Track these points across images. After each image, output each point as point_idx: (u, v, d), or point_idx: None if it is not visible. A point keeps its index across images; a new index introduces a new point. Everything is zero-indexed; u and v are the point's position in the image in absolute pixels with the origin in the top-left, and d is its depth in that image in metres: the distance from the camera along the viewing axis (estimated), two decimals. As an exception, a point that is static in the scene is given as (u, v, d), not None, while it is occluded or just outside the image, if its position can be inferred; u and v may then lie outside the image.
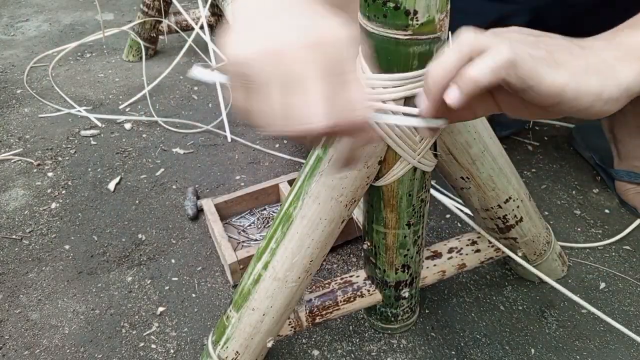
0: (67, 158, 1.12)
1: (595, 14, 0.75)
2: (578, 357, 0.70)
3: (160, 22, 1.44)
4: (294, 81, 0.33)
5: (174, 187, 1.03)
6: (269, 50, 0.33)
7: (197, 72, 0.39)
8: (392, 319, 0.72)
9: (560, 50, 0.40)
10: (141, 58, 1.45)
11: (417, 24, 0.43)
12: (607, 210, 0.93)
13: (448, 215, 0.94)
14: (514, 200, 0.64)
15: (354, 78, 0.35)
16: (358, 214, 0.82)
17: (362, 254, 0.81)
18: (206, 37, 1.24)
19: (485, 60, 0.38)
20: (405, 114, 0.46)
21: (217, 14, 1.48)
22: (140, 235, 0.92)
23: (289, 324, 0.66)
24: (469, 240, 0.74)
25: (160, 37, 1.50)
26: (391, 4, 0.42)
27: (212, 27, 1.51)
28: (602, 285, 0.80)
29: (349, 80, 0.35)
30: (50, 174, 1.07)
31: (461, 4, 0.70)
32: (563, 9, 0.77)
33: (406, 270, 0.65)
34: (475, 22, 0.80)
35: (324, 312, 0.67)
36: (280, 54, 0.33)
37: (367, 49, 0.47)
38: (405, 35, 0.43)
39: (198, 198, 0.98)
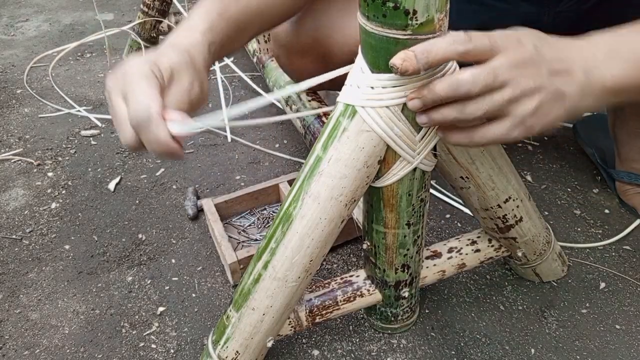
0: (67, 158, 1.12)
1: (587, 20, 0.75)
2: (578, 357, 0.70)
3: (161, 22, 1.44)
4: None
5: (174, 187, 1.03)
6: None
7: (174, 126, 0.43)
8: (392, 318, 0.72)
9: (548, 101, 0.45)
10: (141, 58, 1.45)
11: (416, 24, 0.43)
12: (607, 210, 0.93)
13: (448, 215, 0.94)
14: (513, 200, 0.64)
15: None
16: (358, 214, 0.82)
17: (362, 254, 0.82)
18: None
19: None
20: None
21: (217, 14, 1.47)
22: (140, 235, 0.92)
23: (289, 324, 0.66)
24: (468, 240, 0.74)
25: (161, 37, 1.50)
26: (390, 4, 0.42)
27: (212, 27, 1.51)
28: (602, 285, 0.80)
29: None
30: (50, 174, 1.07)
31: (452, 4, 0.70)
32: (555, 15, 0.77)
33: (406, 270, 0.65)
34: (465, 23, 0.80)
35: (324, 312, 0.67)
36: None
37: (367, 49, 0.47)
38: (405, 34, 0.43)
39: (198, 198, 0.98)
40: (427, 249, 0.73)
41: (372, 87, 0.48)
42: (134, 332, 0.76)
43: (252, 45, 1.08)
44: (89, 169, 1.08)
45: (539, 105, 0.44)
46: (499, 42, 0.43)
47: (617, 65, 0.47)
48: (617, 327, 0.74)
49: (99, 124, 1.22)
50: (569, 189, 0.98)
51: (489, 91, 0.43)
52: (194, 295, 0.81)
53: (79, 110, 1.26)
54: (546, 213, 0.93)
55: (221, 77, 1.35)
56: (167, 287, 0.83)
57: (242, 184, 1.03)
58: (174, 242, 0.91)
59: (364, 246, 0.65)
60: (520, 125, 0.44)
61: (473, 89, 0.43)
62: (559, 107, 0.46)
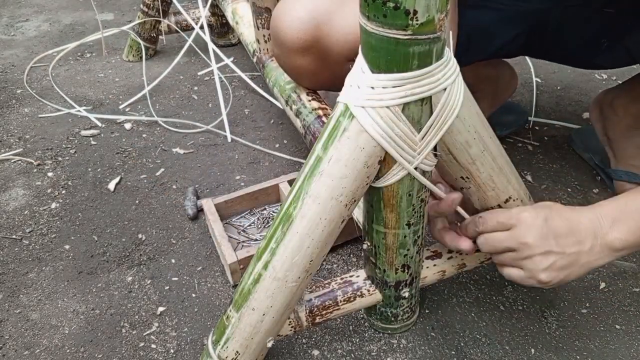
0: (67, 158, 1.12)
1: (596, 18, 0.75)
2: (578, 357, 0.71)
3: (160, 22, 1.44)
4: None
5: (174, 187, 1.03)
6: None
7: None
8: (392, 318, 0.72)
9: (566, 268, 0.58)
10: (141, 58, 1.45)
11: (416, 24, 0.43)
12: (607, 210, 0.93)
13: (448, 215, 0.94)
14: (513, 200, 0.64)
15: None
16: (358, 214, 0.82)
17: (362, 254, 0.82)
18: (206, 37, 1.24)
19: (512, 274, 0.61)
20: None
21: (217, 14, 1.48)
22: (140, 235, 0.92)
23: (289, 324, 0.66)
24: (469, 240, 0.74)
25: (160, 37, 1.50)
26: (391, 4, 0.42)
27: (212, 27, 1.51)
28: (602, 285, 0.80)
29: None
30: (50, 174, 1.07)
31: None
32: (563, 11, 0.77)
33: (406, 270, 0.65)
34: (469, 26, 0.79)
35: (324, 312, 0.67)
36: None
37: (367, 49, 0.47)
38: (405, 35, 0.43)
39: (198, 198, 0.98)
40: (427, 249, 0.73)
41: (372, 87, 0.48)
42: (134, 332, 0.76)
43: (252, 45, 1.08)
44: (89, 169, 1.08)
45: (550, 265, 0.57)
46: (515, 221, 0.58)
47: (622, 230, 0.57)
48: (617, 327, 0.74)
49: (98, 124, 1.22)
50: (569, 189, 0.98)
51: (508, 250, 0.60)
52: (194, 295, 0.81)
53: (78, 110, 1.26)
54: (546, 213, 0.93)
55: (220, 76, 1.35)
56: (167, 287, 0.83)
57: (242, 184, 1.03)
58: (174, 242, 0.91)
59: (364, 246, 0.65)
60: (532, 278, 0.58)
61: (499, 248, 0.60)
62: (576, 269, 0.58)
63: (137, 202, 1.00)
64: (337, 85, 0.56)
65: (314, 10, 0.76)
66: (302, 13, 0.76)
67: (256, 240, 0.88)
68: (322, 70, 0.81)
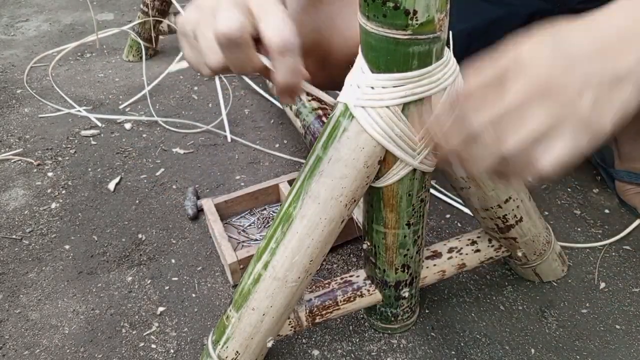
0: (67, 158, 1.12)
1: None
2: (578, 357, 0.70)
3: (160, 22, 1.44)
4: None
5: (174, 187, 1.03)
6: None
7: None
8: (392, 318, 0.72)
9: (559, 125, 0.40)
10: (141, 58, 1.45)
11: (416, 24, 0.43)
12: (607, 210, 0.93)
13: (448, 215, 0.94)
14: (513, 200, 0.64)
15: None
16: (358, 214, 0.82)
17: (362, 254, 0.82)
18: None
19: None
20: None
21: (217, 14, 1.47)
22: (140, 235, 0.92)
23: (289, 324, 0.66)
24: (468, 240, 0.74)
25: (161, 37, 1.50)
26: (391, 4, 0.42)
27: (212, 27, 1.51)
28: (602, 285, 0.80)
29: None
30: (50, 174, 1.07)
31: (459, 3, 0.69)
32: (569, 12, 0.77)
33: (406, 270, 0.65)
34: (473, 22, 0.80)
35: (324, 312, 0.67)
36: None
37: (367, 49, 0.47)
38: (405, 35, 0.43)
39: (198, 198, 0.98)
40: (427, 249, 0.73)
41: (372, 87, 0.48)
42: (134, 332, 0.76)
43: (252, 45, 1.08)
44: (89, 169, 1.08)
45: (595, 100, 0.38)
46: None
47: None
48: (617, 327, 0.74)
49: (99, 124, 1.22)
50: (569, 189, 0.98)
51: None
52: (194, 295, 0.81)
53: (79, 110, 1.26)
54: (546, 213, 0.93)
55: (220, 76, 1.35)
56: (167, 287, 0.83)
57: (242, 184, 1.03)
58: (174, 242, 0.91)
59: (364, 246, 0.65)
60: (585, 129, 0.39)
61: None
62: (622, 90, 0.39)
63: (137, 202, 1.00)
64: (336, 87, 0.56)
65: (315, 13, 0.75)
66: (302, 16, 0.75)
67: (256, 240, 0.88)
68: (321, 73, 0.81)
